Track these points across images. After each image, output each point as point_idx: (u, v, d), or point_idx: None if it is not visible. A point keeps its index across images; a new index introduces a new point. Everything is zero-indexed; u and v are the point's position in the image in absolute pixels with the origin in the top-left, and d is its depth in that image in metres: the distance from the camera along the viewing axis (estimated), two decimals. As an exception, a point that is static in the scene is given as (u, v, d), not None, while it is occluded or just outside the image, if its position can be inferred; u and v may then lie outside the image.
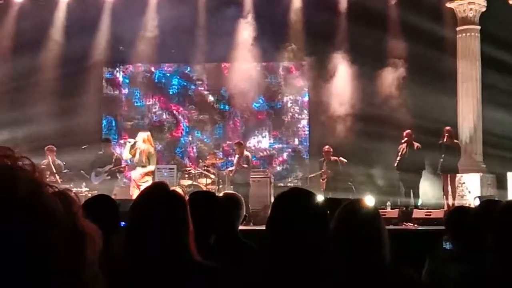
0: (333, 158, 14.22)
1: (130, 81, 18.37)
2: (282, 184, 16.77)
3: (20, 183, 0.89)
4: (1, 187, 0.87)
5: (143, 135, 12.82)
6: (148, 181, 12.38)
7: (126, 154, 12.97)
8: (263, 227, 2.57)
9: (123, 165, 13.68)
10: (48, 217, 0.89)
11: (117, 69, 18.38)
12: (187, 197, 2.96)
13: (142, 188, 11.94)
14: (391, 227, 10.40)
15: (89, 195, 11.10)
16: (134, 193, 12.33)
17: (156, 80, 18.32)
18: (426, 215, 11.82)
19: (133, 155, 12.63)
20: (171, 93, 18.32)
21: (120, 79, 18.42)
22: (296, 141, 17.98)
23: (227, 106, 18.05)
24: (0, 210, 0.86)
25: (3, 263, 0.84)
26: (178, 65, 18.32)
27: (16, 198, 0.87)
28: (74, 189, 12.72)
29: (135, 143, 12.71)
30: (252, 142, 17.78)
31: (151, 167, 12.59)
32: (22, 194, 0.88)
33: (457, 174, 13.92)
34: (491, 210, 2.53)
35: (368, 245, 2.58)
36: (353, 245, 2.56)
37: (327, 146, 14.41)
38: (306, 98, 17.88)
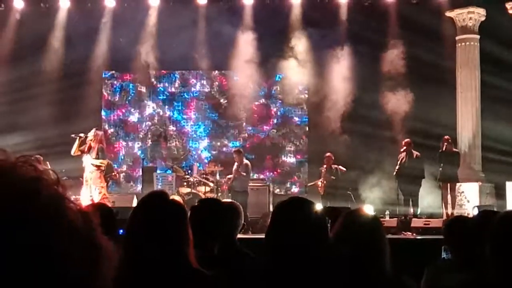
0: (333, 166, 14.24)
1: (129, 88, 18.39)
2: (278, 191, 16.90)
3: (43, 193, 0.89)
4: (24, 196, 0.88)
5: (95, 133, 12.06)
6: (99, 178, 11.91)
7: (74, 150, 12.01)
8: (262, 236, 2.57)
9: (114, 173, 13.58)
10: (68, 230, 0.89)
11: (115, 77, 18.44)
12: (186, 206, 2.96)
13: (93, 188, 11.70)
14: (389, 236, 10.38)
15: (89, 203, 11.05)
16: (85, 193, 11.82)
17: (155, 87, 18.35)
18: (425, 224, 11.78)
19: (83, 152, 11.92)
20: (169, 100, 18.35)
21: (119, 86, 18.47)
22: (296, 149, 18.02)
23: (226, 114, 18.09)
24: (21, 220, 0.86)
25: (20, 272, 0.85)
26: (177, 72, 18.36)
27: (38, 208, 0.88)
28: (72, 197, 12.69)
29: (85, 138, 11.96)
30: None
31: (97, 162, 11.90)
32: (44, 205, 0.88)
33: (456, 183, 13.92)
34: (489, 220, 2.53)
35: (369, 254, 2.58)
36: (354, 254, 2.56)
37: (329, 153, 14.42)
38: (305, 107, 17.92)
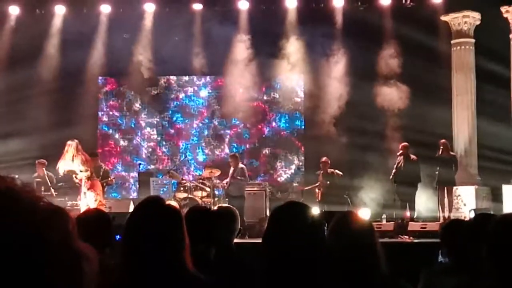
0: (329, 170, 14.24)
1: (124, 93, 18.38)
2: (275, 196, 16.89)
3: (15, 207, 0.89)
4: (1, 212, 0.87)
5: (69, 145, 11.90)
6: (92, 187, 11.92)
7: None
8: (259, 240, 2.57)
9: (111, 178, 13.53)
10: (44, 243, 0.88)
11: (111, 82, 18.44)
12: (183, 211, 2.96)
13: (88, 196, 11.71)
14: (386, 240, 10.40)
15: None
16: (83, 200, 11.91)
17: (150, 92, 18.33)
18: (421, 227, 11.80)
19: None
20: (165, 105, 18.36)
21: (115, 91, 18.48)
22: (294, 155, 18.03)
23: (222, 121, 18.10)
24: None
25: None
26: (173, 77, 18.36)
27: (13, 223, 0.87)
28: (69, 203, 12.68)
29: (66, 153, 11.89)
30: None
31: (84, 175, 11.88)
32: (17, 218, 0.87)
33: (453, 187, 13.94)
34: (486, 223, 2.53)
35: (362, 257, 2.59)
36: (346, 258, 2.56)
37: (324, 158, 14.42)
38: (301, 111, 17.93)
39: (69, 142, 11.95)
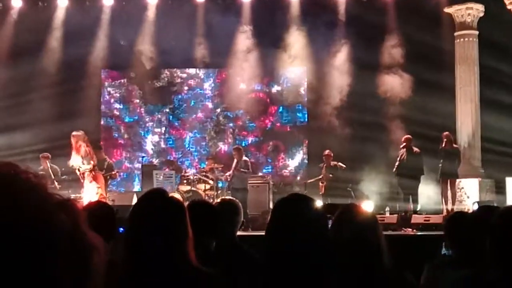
0: (332, 163, 14.24)
1: (127, 86, 18.37)
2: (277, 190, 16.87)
3: (28, 197, 0.89)
4: (10, 201, 0.87)
5: (76, 136, 11.90)
6: (91, 181, 11.98)
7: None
8: (262, 233, 2.56)
9: (114, 172, 13.53)
10: (54, 234, 0.88)
11: (114, 75, 18.43)
12: (186, 203, 2.95)
13: (90, 188, 11.74)
14: (390, 232, 10.41)
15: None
16: (86, 195, 11.91)
17: (153, 85, 18.32)
18: (425, 220, 11.81)
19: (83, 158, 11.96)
20: (168, 97, 18.35)
21: (117, 84, 18.46)
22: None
23: (226, 113, 18.09)
24: (5, 226, 0.86)
25: (8, 275, 0.84)
26: (176, 70, 18.33)
27: (23, 215, 0.87)
28: (72, 195, 12.70)
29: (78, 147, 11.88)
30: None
31: (87, 167, 11.94)
32: (30, 208, 0.88)
33: (456, 179, 13.93)
34: (489, 216, 2.53)
35: (365, 250, 2.58)
36: (350, 250, 2.56)
37: (327, 150, 14.42)
38: (304, 103, 17.91)
39: (74, 133, 11.96)
